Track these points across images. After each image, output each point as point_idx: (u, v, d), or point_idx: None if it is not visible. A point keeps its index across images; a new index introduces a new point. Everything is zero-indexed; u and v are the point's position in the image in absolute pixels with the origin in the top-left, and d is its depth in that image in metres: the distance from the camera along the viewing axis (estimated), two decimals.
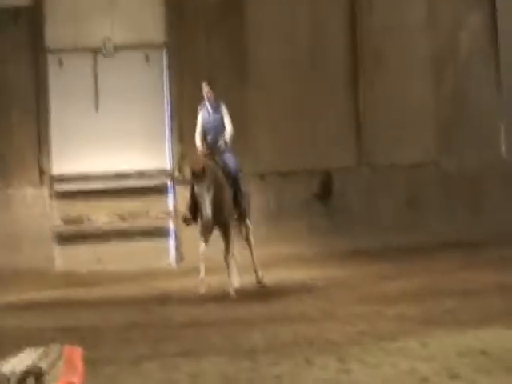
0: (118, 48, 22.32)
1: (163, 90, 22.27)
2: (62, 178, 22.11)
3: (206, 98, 16.19)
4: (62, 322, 14.61)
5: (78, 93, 22.06)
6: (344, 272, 18.58)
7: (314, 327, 12.97)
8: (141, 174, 21.93)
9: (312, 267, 19.43)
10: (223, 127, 16.23)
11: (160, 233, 22.16)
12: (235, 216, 16.46)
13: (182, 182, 21.67)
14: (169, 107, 22.32)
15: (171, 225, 21.96)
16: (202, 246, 15.98)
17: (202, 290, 15.84)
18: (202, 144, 16.34)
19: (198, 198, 15.46)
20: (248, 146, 21.73)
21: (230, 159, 16.31)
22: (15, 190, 22.28)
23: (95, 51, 22.20)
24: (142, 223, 21.83)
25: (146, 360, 11.24)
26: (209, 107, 16.21)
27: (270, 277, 17.51)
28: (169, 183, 22.16)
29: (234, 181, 16.23)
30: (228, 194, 16.03)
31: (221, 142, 16.08)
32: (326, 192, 22.78)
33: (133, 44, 22.20)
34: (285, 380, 9.74)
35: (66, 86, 21.86)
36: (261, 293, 16.54)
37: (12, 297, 17.93)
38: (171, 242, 21.93)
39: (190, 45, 22.30)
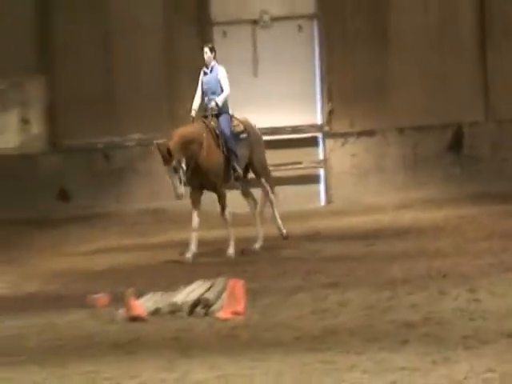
0: (273, 20, 22.69)
1: (314, 56, 22.31)
2: None
3: (205, 61, 15.20)
4: (225, 256, 14.94)
5: (239, 60, 22.42)
6: (474, 212, 18.44)
7: (446, 261, 12.93)
8: (295, 129, 22.26)
9: (445, 208, 19.41)
10: (221, 89, 15.11)
11: (311, 179, 22.51)
12: (233, 177, 15.20)
13: (331, 135, 22.23)
14: (319, 71, 22.49)
15: (321, 172, 22.31)
16: (195, 217, 14.70)
17: (189, 259, 14.59)
18: (200, 104, 15.24)
19: (167, 176, 14.48)
20: (388, 105, 21.94)
21: (223, 121, 15.04)
22: None
23: (254, 23, 22.61)
24: (296, 171, 22.15)
25: (298, 291, 11.34)
26: (207, 70, 15.15)
27: (408, 217, 17.67)
28: (319, 136, 22.45)
29: (225, 143, 14.99)
30: (217, 157, 14.89)
31: (212, 104, 14.87)
32: (457, 144, 22.72)
33: (286, 16, 22.54)
34: (420, 308, 9.76)
35: (228, 54, 21.93)
36: (399, 231, 16.46)
37: (183, 234, 18.00)
38: (321, 187, 22.22)
39: (337, 15, 22.45)
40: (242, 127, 15.26)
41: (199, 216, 14.68)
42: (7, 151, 23.56)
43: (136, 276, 13.70)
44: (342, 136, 22.26)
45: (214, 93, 14.89)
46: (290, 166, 22.00)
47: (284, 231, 15.52)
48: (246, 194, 15.78)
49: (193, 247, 14.59)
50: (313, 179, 22.49)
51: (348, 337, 8.87)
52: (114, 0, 22.49)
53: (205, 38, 21.80)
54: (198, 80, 15.48)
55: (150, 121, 22.28)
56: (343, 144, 22.59)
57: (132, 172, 22.75)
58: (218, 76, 14.95)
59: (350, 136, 21.88)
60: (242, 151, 15.09)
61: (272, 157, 21.56)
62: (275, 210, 15.72)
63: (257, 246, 15.17)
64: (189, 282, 11.41)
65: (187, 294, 10.67)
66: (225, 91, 14.92)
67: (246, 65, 22.58)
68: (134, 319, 10.27)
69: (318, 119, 22.27)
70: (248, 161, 15.39)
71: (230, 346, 9.01)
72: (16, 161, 23.19)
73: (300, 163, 22.12)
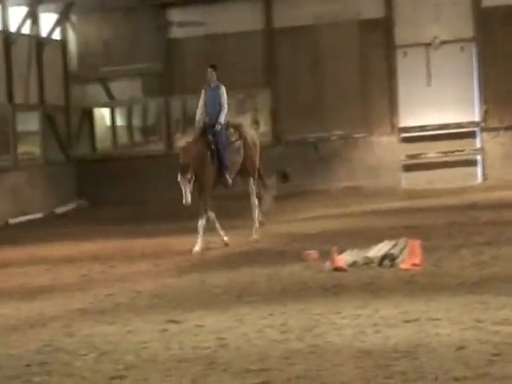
0: (442, 43, 22.69)
1: (473, 70, 22.16)
2: (406, 129, 22.87)
3: (208, 79, 13.46)
4: (406, 222, 14.65)
5: (416, 74, 22.73)
6: None
7: None
8: (458, 125, 22.29)
9: None
10: (219, 105, 13.32)
11: (471, 163, 22.54)
12: (223, 184, 13.47)
13: (486, 129, 22.18)
14: (477, 81, 22.51)
15: (479, 157, 22.36)
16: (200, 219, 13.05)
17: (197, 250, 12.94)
18: (200, 119, 13.49)
19: (180, 185, 12.67)
20: None
21: (220, 137, 13.21)
22: (375, 138, 23.01)
23: (427, 45, 22.68)
24: (459, 157, 22.23)
25: (461, 247, 11.19)
26: (210, 86, 13.37)
27: None
28: (477, 130, 22.53)
29: (218, 156, 13.15)
30: (209, 170, 13.10)
31: (217, 127, 13.09)
32: None
33: (452, 39, 22.50)
34: None
35: (408, 69, 22.69)
36: None
37: (373, 206, 18.38)
38: (478, 169, 22.17)
39: (491, 38, 22.33)
40: (236, 135, 13.60)
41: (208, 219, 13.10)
42: None
43: (338, 237, 13.53)
44: (494, 130, 22.18)
45: (214, 106, 13.32)
46: (455, 153, 22.21)
47: (225, 238, 13.42)
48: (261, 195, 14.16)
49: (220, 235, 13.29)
50: (472, 163, 22.49)
51: (500, 283, 8.74)
52: (322, 34, 22.82)
53: (390, 58, 22.46)
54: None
55: (349, 121, 22.57)
56: (495, 136, 22.52)
57: (335, 159, 22.91)
58: (219, 92, 13.30)
59: (500, 130, 21.82)
60: (234, 157, 13.49)
61: (441, 146, 22.26)
62: (255, 211, 13.87)
63: (255, 237, 13.61)
64: (378, 241, 11.34)
65: (377, 251, 10.60)
66: (224, 109, 13.28)
67: (421, 77, 22.74)
68: (337, 269, 10.26)
69: (476, 117, 22.25)
70: (240, 164, 13.68)
71: (410, 289, 8.95)
72: None
73: (462, 151, 22.21)
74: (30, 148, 24.85)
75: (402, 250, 10.53)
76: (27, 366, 6.93)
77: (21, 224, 21.10)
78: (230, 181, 13.18)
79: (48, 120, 24.27)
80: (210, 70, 13.37)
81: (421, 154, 22.64)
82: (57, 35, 24.70)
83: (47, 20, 24.48)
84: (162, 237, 15.30)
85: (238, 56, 22.95)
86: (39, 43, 23.50)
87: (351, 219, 16.15)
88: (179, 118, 24.93)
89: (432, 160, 22.49)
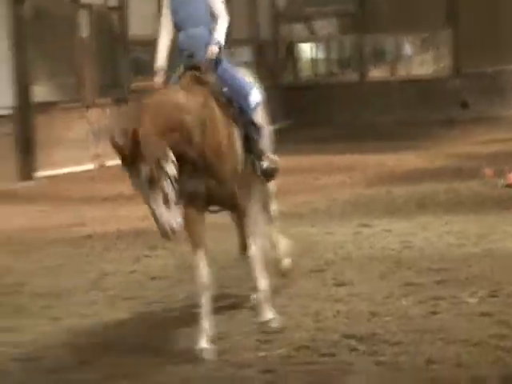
0: None
1: None
2: None
3: None
4: None
5: None
6: None
7: None
8: None
9: None
10: (207, 17, 5.02)
11: None
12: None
13: None
14: None
15: None
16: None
17: None
18: (163, 56, 5.06)
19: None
20: None
21: (228, 72, 4.99)
22: None
23: None
24: None
25: None
26: None
27: None
28: None
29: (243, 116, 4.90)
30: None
31: (213, 48, 4.86)
32: None
33: None
34: None
35: None
36: None
37: None
38: None
39: None
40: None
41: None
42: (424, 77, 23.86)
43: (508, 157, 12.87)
44: None
45: (196, 24, 4.99)
46: None
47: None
48: None
49: None
50: None
51: None
52: None
53: None
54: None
55: None
56: None
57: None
58: None
59: None
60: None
61: None
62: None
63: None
64: None
65: None
66: (221, 20, 5.04)
67: None
68: (510, 186, 9.97)
69: None
70: None
71: None
72: (429, 83, 23.29)
73: None
74: None
75: None
76: None
77: None
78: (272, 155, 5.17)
79: (259, 52, 24.50)
80: None
81: None
82: None
83: None
84: (357, 153, 15.17)
85: None
86: None
87: None
88: (370, 54, 24.71)
89: None
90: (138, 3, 17.91)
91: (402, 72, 24.66)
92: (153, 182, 4.00)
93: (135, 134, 3.95)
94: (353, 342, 4.62)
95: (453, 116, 21.57)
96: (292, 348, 4.61)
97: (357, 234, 7.86)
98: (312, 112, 23.22)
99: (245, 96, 4.85)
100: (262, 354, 4.55)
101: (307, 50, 26.15)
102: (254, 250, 4.73)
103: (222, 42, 4.92)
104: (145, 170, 3.97)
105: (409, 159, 14.01)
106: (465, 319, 4.96)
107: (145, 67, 16.57)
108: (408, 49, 25.36)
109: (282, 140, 18.07)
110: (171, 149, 4.14)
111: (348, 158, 14.58)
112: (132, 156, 3.95)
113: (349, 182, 11.81)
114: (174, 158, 4.12)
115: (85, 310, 5.70)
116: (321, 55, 26.29)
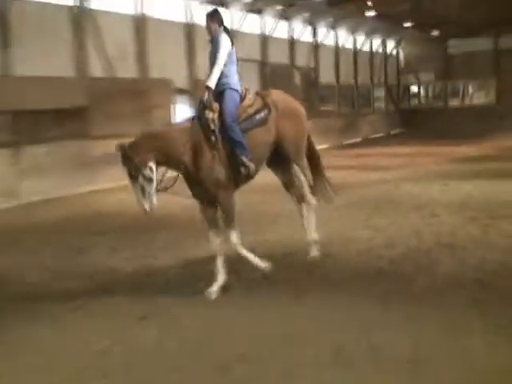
0: None
1: None
2: None
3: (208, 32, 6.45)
4: None
5: None
6: None
7: None
8: None
9: None
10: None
11: None
12: (243, 176, 6.28)
13: None
14: None
15: None
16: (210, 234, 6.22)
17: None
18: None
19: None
20: None
21: (226, 100, 6.23)
22: None
23: None
24: None
25: None
26: (211, 41, 6.42)
27: None
28: None
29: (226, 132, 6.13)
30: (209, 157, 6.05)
31: (205, 95, 6.10)
32: None
33: None
34: None
35: None
36: None
37: None
38: None
39: None
40: (259, 104, 6.38)
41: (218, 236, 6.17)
42: (480, 105, 27.69)
43: None
44: None
45: (210, 68, 6.27)
46: None
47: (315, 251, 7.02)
48: (290, 185, 6.96)
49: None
50: None
51: None
52: None
53: None
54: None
55: None
56: None
57: None
58: (219, 46, 6.28)
59: None
60: (260, 136, 6.28)
61: None
62: (311, 214, 6.87)
63: (312, 254, 6.95)
64: None
65: None
66: (214, 67, 6.13)
67: None
68: None
69: None
70: (275, 142, 6.48)
71: None
72: (482, 108, 27.81)
73: None
74: (379, 104, 29.79)
75: None
76: None
77: (375, 138, 25.29)
78: (251, 165, 6.10)
79: (389, 91, 30.09)
80: (207, 19, 6.46)
81: None
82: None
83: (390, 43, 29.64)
84: (439, 146, 17.34)
85: None
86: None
87: None
88: (450, 92, 28.27)
89: None
90: (324, 64, 23.77)
91: (467, 102, 29.39)
92: (133, 179, 5.65)
93: (126, 147, 5.61)
94: (443, 248, 5.81)
95: (495, 126, 24.79)
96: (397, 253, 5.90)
97: (440, 189, 9.16)
98: (417, 124, 27.82)
99: (229, 121, 6.06)
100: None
101: (416, 90, 31.47)
102: (235, 238, 6.03)
103: (210, 85, 6.00)
104: (127, 169, 5.64)
105: (468, 149, 16.08)
106: (504, 236, 6.04)
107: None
108: (470, 89, 30.15)
109: (400, 138, 21.59)
110: (157, 161, 5.74)
111: (434, 149, 17.03)
112: (124, 160, 5.64)
113: (434, 161, 13.49)
114: (153, 166, 5.66)
115: None
116: (423, 92, 31.39)
